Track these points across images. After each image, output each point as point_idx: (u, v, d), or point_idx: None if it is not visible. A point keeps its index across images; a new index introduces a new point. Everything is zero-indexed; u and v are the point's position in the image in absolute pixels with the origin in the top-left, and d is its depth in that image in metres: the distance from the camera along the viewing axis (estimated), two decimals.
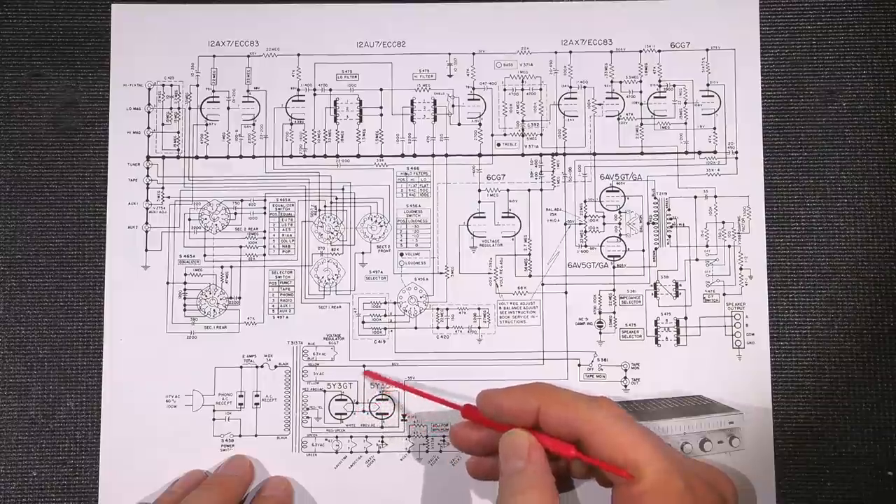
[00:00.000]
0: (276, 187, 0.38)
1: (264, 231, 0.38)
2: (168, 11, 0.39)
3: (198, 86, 0.39)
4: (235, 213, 0.38)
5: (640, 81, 0.39)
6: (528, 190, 0.38)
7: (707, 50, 0.39)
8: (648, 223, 0.38)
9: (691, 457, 0.36)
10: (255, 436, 0.37)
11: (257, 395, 0.37)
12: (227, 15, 0.39)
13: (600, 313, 0.38)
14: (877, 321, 0.37)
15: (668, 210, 0.38)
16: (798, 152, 0.38)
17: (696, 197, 0.38)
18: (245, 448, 0.37)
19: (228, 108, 0.39)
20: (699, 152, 0.38)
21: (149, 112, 0.38)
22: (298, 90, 0.39)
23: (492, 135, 0.38)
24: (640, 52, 0.39)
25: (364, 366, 0.37)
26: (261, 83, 0.39)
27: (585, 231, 0.38)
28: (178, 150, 0.38)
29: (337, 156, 0.38)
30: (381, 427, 0.37)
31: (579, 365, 0.37)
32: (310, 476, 0.37)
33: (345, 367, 0.37)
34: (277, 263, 0.38)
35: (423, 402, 0.37)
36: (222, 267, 0.38)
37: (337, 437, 0.37)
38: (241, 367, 0.37)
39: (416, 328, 0.38)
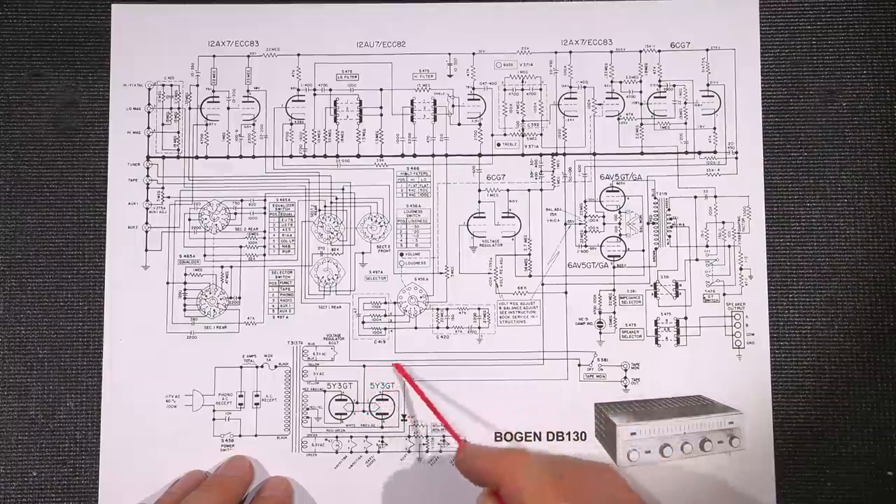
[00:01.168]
0: (276, 187, 0.38)
1: (264, 231, 0.38)
2: (168, 11, 0.39)
3: (198, 86, 0.39)
4: (235, 213, 0.38)
5: (640, 81, 0.39)
6: (528, 190, 0.38)
7: (707, 50, 0.39)
8: (648, 223, 0.38)
9: (691, 457, 0.36)
10: (255, 436, 0.37)
11: (257, 395, 0.37)
12: (227, 15, 0.39)
13: (600, 313, 0.38)
14: (877, 321, 0.37)
15: (668, 210, 0.38)
16: (798, 152, 0.38)
17: (696, 197, 0.38)
18: (245, 448, 0.37)
19: (228, 108, 0.39)
20: (699, 152, 0.38)
21: (149, 112, 0.38)
22: (298, 90, 0.39)
23: (492, 135, 0.38)
24: (640, 52, 0.39)
25: (364, 365, 0.37)
26: (261, 83, 0.39)
27: (585, 231, 0.38)
28: (178, 150, 0.38)
29: (337, 156, 0.38)
30: (381, 427, 0.37)
31: (579, 365, 0.37)
32: (310, 476, 0.37)
33: (345, 367, 0.37)
34: (277, 263, 0.38)
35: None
36: (222, 267, 0.38)
37: (337, 437, 0.37)
38: (241, 367, 0.37)
39: (416, 328, 0.38)
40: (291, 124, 0.39)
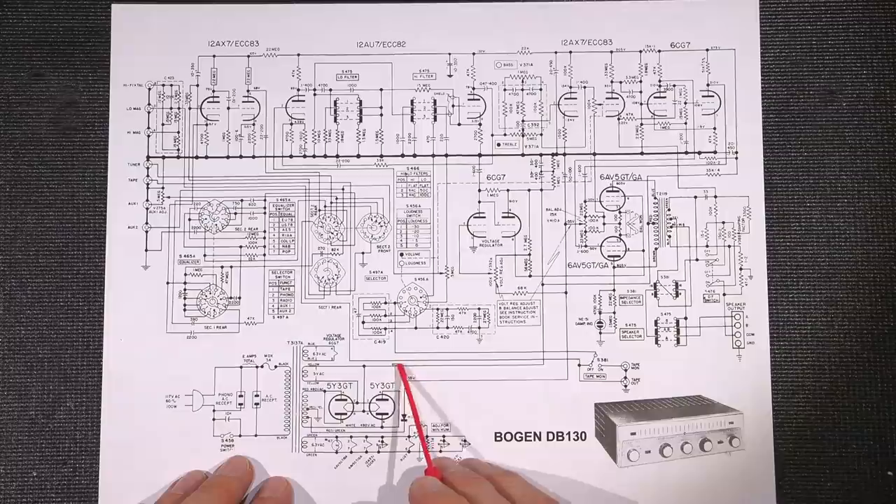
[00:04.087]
0: (276, 187, 0.38)
1: (264, 231, 0.38)
2: (168, 11, 0.39)
3: (198, 86, 0.39)
4: (235, 213, 0.38)
5: (640, 81, 0.39)
6: (528, 190, 0.38)
7: (707, 50, 0.39)
8: (648, 223, 0.38)
9: (691, 457, 0.36)
10: (255, 436, 0.37)
11: (257, 395, 0.37)
12: (227, 15, 0.39)
13: (600, 313, 0.38)
14: (877, 321, 0.37)
15: (668, 210, 0.38)
16: (798, 152, 0.38)
17: (696, 197, 0.38)
18: (245, 448, 0.37)
19: (228, 108, 0.39)
20: (699, 152, 0.38)
21: (149, 112, 0.38)
22: (298, 90, 0.39)
23: (492, 135, 0.38)
24: (640, 52, 0.39)
25: (364, 366, 0.37)
26: (261, 83, 0.39)
27: (585, 231, 0.38)
28: (178, 150, 0.38)
29: (337, 156, 0.38)
30: (381, 427, 0.37)
31: (579, 365, 0.37)
32: (310, 476, 0.37)
33: (345, 367, 0.37)
34: (277, 263, 0.38)
35: (422, 402, 0.37)
36: (222, 267, 0.38)
37: (337, 437, 0.37)
38: (241, 367, 0.37)
39: (416, 328, 0.38)
40: (291, 124, 0.39)
